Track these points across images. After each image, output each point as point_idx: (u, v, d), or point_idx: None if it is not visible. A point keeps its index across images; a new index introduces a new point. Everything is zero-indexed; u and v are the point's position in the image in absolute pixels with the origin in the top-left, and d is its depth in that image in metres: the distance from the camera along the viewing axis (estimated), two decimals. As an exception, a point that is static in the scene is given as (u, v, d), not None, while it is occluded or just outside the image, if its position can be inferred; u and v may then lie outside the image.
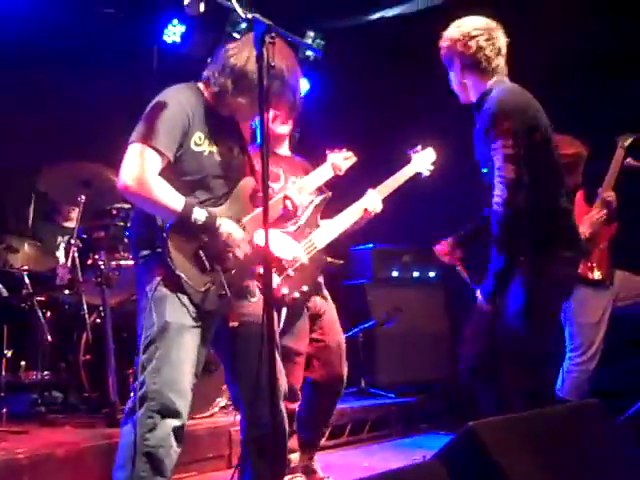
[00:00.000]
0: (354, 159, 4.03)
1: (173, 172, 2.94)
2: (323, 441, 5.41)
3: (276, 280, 3.71)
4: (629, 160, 4.98)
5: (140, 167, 2.84)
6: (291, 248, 3.67)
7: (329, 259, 4.09)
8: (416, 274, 7.25)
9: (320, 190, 4.03)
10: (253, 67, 2.86)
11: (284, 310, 3.85)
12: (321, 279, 4.13)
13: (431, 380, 6.78)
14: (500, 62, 3.57)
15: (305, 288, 3.89)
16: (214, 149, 3.04)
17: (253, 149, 3.96)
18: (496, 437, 2.07)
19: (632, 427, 3.83)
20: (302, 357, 4.05)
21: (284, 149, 4.31)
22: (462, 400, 6.49)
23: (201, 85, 3.11)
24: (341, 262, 4.30)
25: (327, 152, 3.94)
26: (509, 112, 3.40)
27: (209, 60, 3.13)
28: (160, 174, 2.90)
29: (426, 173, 4.31)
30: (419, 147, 4.30)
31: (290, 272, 3.75)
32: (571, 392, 4.74)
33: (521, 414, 2.38)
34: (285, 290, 3.79)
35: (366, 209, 4.09)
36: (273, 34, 2.40)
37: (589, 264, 4.79)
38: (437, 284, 7.30)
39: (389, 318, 6.59)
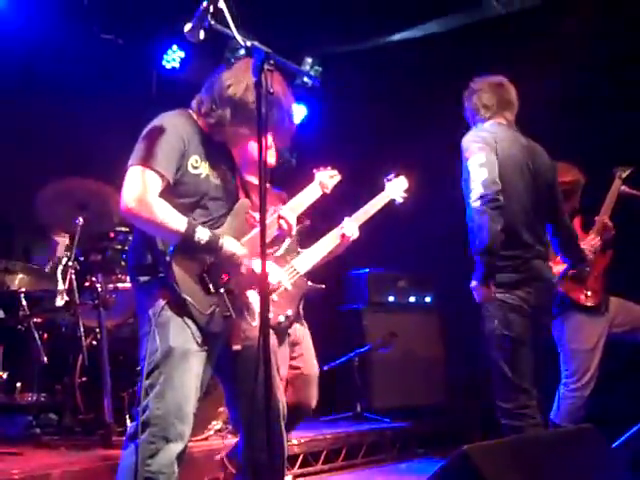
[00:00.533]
0: (338, 177, 4.08)
1: (171, 194, 2.96)
2: (318, 466, 5.43)
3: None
4: (624, 188, 5.03)
5: (141, 189, 2.87)
6: (275, 273, 3.70)
7: (310, 283, 4.15)
8: (412, 299, 7.28)
9: (299, 219, 4.08)
10: (252, 96, 2.88)
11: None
12: (301, 307, 4.18)
13: (426, 405, 6.79)
14: None
15: (289, 312, 3.96)
16: (210, 172, 3.07)
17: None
18: (489, 460, 2.09)
19: (626, 454, 3.83)
20: (282, 382, 4.07)
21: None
22: (457, 425, 6.53)
23: (193, 112, 3.14)
24: (322, 286, 4.33)
25: (314, 171, 3.99)
26: None
27: (218, 102, 3.11)
28: (159, 196, 2.93)
29: (399, 200, 4.41)
30: (392, 175, 4.42)
31: (274, 297, 3.78)
32: (566, 418, 4.74)
33: (514, 438, 2.40)
34: (270, 314, 3.81)
35: (344, 234, 4.14)
36: (272, 61, 2.44)
37: (583, 290, 4.82)
38: (432, 309, 7.34)
39: (385, 343, 6.60)
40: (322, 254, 4.14)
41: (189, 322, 2.93)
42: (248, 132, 3.09)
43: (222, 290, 2.98)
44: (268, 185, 4.32)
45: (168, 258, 2.91)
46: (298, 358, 4.17)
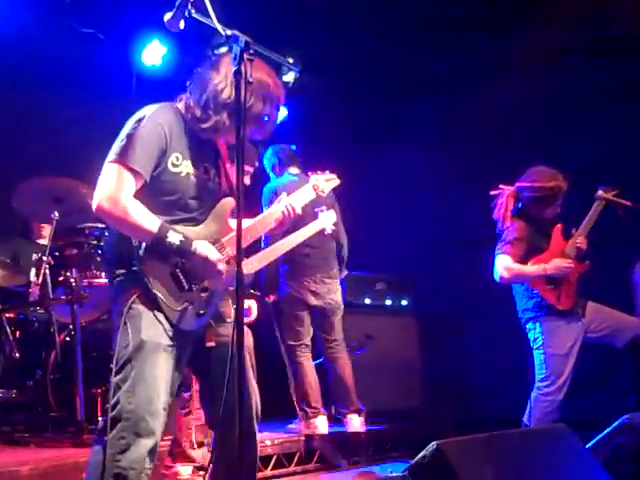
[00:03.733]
0: (337, 181, 4.07)
1: (150, 191, 2.93)
2: (292, 467, 5.41)
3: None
4: (600, 193, 5.05)
5: (115, 188, 2.83)
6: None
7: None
8: (389, 302, 7.27)
9: None
10: (247, 96, 2.81)
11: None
12: None
13: (401, 408, 6.78)
14: None
15: None
16: (191, 170, 3.03)
17: None
18: (462, 455, 2.08)
19: (599, 453, 3.85)
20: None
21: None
22: (432, 428, 6.53)
23: (180, 105, 3.10)
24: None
25: (310, 174, 3.97)
26: None
27: (188, 84, 3.10)
28: (137, 193, 2.89)
29: (329, 231, 4.50)
30: (324, 207, 4.48)
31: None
32: (539, 421, 4.75)
33: (487, 434, 2.39)
34: None
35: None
36: (252, 51, 2.43)
37: (556, 293, 4.84)
38: (409, 313, 7.33)
39: (360, 345, 6.59)
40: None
41: (160, 317, 2.91)
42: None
43: (195, 288, 2.96)
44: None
45: (142, 252, 2.88)
46: None
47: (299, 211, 3.36)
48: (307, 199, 3.79)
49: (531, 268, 4.84)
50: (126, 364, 2.87)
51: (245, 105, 2.51)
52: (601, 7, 5.82)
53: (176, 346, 2.95)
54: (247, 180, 4.77)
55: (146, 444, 2.83)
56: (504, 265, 4.82)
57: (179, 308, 2.92)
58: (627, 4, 5.79)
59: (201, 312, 2.97)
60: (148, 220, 2.87)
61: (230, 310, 3.15)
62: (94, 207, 2.87)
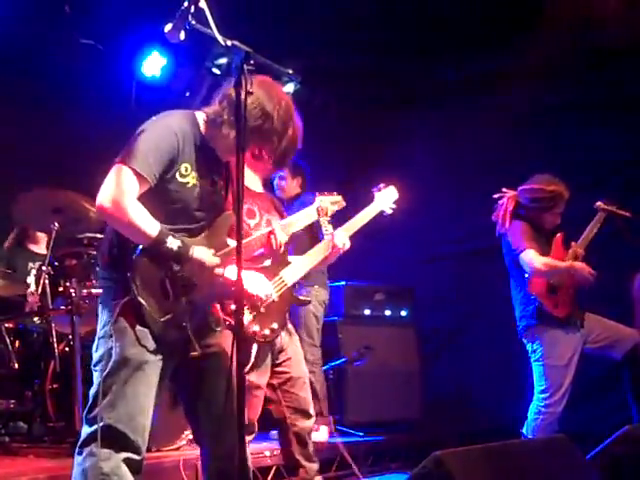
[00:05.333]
0: (343, 204, 4.08)
1: (154, 197, 2.92)
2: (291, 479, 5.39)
3: (247, 317, 3.72)
4: (599, 204, 5.06)
5: (118, 189, 2.83)
6: (263, 286, 3.68)
7: (297, 296, 4.10)
8: (388, 313, 7.25)
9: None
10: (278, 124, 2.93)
11: (254, 346, 3.85)
12: (287, 317, 4.14)
13: (400, 419, 6.76)
14: None
15: (275, 325, 3.88)
16: (198, 182, 3.01)
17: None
18: (462, 466, 2.08)
19: (599, 464, 3.84)
20: (261, 391, 4.04)
21: (257, 185, 4.33)
22: (430, 440, 6.51)
23: (199, 116, 3.06)
24: (309, 300, 4.39)
25: (316, 194, 3.97)
26: None
27: (220, 99, 3.02)
28: (141, 197, 2.88)
29: (388, 211, 4.36)
30: (382, 185, 4.36)
31: (262, 309, 3.76)
32: (538, 433, 4.75)
33: (487, 445, 2.39)
34: (256, 327, 3.79)
35: (334, 245, 4.12)
36: (252, 61, 2.43)
37: (555, 301, 4.84)
38: (408, 323, 7.32)
39: (360, 356, 6.58)
40: (311, 265, 4.08)
41: (144, 332, 2.88)
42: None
43: (182, 299, 2.94)
44: (262, 190, 4.35)
45: (134, 257, 2.87)
46: (284, 363, 4.11)
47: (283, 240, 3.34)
48: (310, 220, 3.77)
49: (563, 263, 4.83)
50: (107, 378, 2.84)
51: (240, 118, 2.50)
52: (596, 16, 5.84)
53: (159, 360, 2.92)
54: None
55: (128, 457, 2.83)
56: (537, 258, 4.77)
57: (163, 319, 2.89)
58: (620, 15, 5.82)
59: (183, 324, 2.94)
60: (148, 224, 2.85)
61: (219, 317, 3.15)
62: (97, 206, 2.86)
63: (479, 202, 5.27)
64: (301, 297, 4.15)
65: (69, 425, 4.56)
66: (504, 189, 5.11)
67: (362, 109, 7.26)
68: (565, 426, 4.76)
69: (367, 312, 7.13)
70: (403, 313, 7.32)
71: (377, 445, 6.24)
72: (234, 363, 3.04)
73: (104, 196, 2.84)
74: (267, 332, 3.85)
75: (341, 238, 4.13)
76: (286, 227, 3.55)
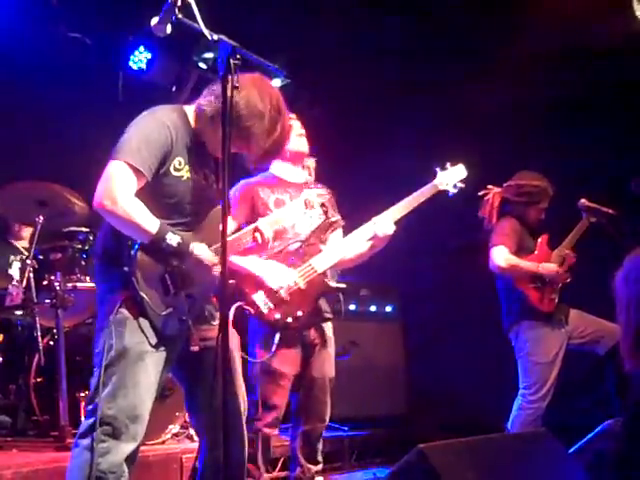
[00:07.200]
0: (327, 196, 4.07)
1: (150, 192, 2.92)
2: (275, 473, 5.39)
3: (265, 307, 3.72)
4: (583, 201, 5.10)
5: (116, 186, 2.83)
6: (282, 276, 3.67)
7: (332, 284, 3.99)
8: (373, 308, 7.27)
9: (326, 213, 3.97)
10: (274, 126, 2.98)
11: (277, 335, 3.82)
12: (322, 306, 4.04)
13: (385, 414, 6.78)
14: None
15: (299, 313, 3.82)
16: (191, 175, 3.02)
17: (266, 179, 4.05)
18: (445, 459, 2.09)
19: (582, 459, 3.86)
20: (286, 380, 3.98)
21: (296, 175, 4.21)
22: (415, 434, 6.54)
23: (189, 110, 3.08)
24: (344, 286, 4.09)
25: (304, 188, 3.97)
26: None
27: (209, 94, 3.04)
28: (137, 193, 2.88)
29: (453, 191, 4.20)
30: (448, 164, 4.22)
31: (284, 295, 3.74)
32: (522, 428, 4.77)
33: (471, 439, 2.40)
34: (278, 315, 3.77)
35: (375, 235, 4.03)
36: (238, 55, 2.44)
37: (540, 296, 4.88)
38: (394, 319, 7.33)
39: (345, 351, 6.58)
40: (344, 253, 4.01)
41: (145, 323, 2.90)
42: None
43: (182, 293, 2.96)
44: (307, 180, 4.33)
45: (133, 252, 2.88)
46: (310, 360, 4.05)
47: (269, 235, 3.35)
48: (297, 214, 3.75)
49: (527, 263, 4.88)
50: (108, 369, 2.86)
51: (226, 110, 2.51)
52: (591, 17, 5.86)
53: (160, 351, 2.95)
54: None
55: (126, 449, 2.84)
56: (502, 255, 4.85)
57: (164, 313, 2.92)
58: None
59: (183, 318, 2.96)
60: (148, 220, 2.86)
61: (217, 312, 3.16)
62: (94, 203, 2.87)
63: (466, 198, 5.29)
64: (332, 285, 3.99)
65: (53, 419, 4.57)
66: (489, 186, 5.15)
67: (349, 102, 7.25)
68: (549, 420, 4.80)
69: (352, 307, 7.13)
70: (388, 309, 7.33)
71: (362, 440, 6.26)
72: (236, 359, 3.12)
73: (102, 194, 2.84)
74: (289, 320, 3.81)
75: (383, 226, 4.00)
76: (275, 222, 3.53)
